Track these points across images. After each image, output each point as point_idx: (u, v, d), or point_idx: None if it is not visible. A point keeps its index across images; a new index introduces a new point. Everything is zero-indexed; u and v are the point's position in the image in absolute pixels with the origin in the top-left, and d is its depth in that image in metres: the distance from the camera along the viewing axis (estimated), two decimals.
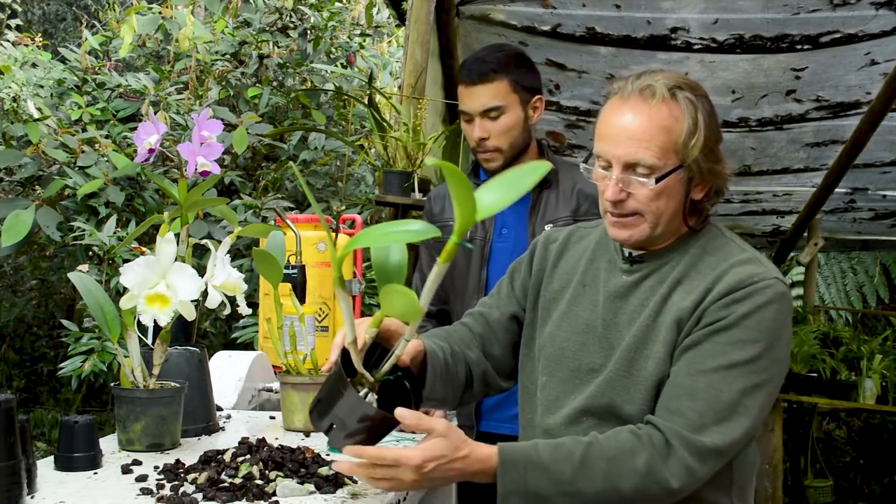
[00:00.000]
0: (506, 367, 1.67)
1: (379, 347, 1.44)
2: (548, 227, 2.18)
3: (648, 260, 1.51)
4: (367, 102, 3.42)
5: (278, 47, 4.52)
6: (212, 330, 4.51)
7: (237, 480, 1.40)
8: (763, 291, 1.40)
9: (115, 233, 3.03)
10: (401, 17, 4.12)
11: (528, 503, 1.33)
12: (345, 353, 1.37)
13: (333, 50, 4.71)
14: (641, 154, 1.40)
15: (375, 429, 1.35)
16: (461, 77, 2.24)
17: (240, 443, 1.58)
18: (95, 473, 1.50)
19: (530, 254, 1.69)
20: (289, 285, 1.89)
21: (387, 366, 1.38)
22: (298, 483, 1.41)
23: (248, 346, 2.96)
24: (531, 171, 1.23)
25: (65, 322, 2.99)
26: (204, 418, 1.84)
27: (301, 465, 1.47)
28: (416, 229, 1.26)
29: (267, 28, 4.46)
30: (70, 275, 1.70)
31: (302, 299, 1.98)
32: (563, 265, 1.62)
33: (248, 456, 1.50)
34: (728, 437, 1.36)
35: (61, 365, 2.89)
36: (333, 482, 1.43)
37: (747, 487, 1.51)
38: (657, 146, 1.40)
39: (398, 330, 1.44)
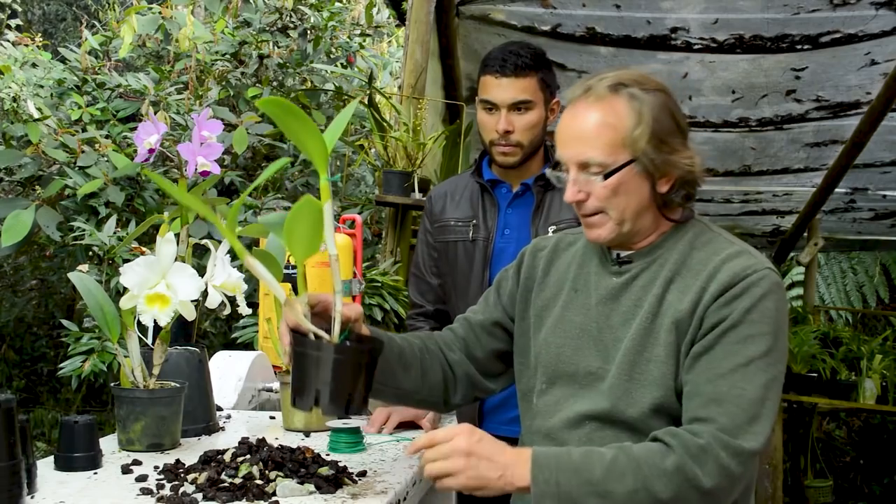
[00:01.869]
0: (489, 370, 1.68)
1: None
2: (551, 230, 2.18)
3: (636, 259, 1.52)
4: (367, 102, 3.42)
5: (278, 47, 4.52)
6: (212, 330, 4.51)
7: (237, 480, 1.40)
8: (759, 283, 1.41)
9: (115, 233, 3.02)
10: (401, 17, 4.12)
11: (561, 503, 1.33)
12: (297, 334, 1.38)
13: (333, 50, 4.71)
14: (590, 152, 1.44)
15: (355, 367, 1.35)
16: (491, 68, 2.22)
17: (240, 443, 1.58)
18: (95, 473, 1.50)
19: (517, 264, 1.70)
20: (289, 285, 1.89)
21: (336, 326, 1.38)
22: (298, 483, 1.41)
23: (248, 346, 2.95)
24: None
25: (65, 322, 2.99)
26: (204, 418, 1.84)
27: (301, 465, 1.47)
28: None
29: (267, 28, 4.46)
30: (70, 275, 1.70)
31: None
32: (554, 273, 1.63)
33: (248, 456, 1.50)
34: (762, 436, 1.36)
35: (61, 365, 2.88)
36: (333, 482, 1.43)
37: (751, 486, 1.51)
38: (603, 143, 1.44)
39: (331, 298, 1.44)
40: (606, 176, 1.43)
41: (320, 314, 1.44)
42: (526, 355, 1.62)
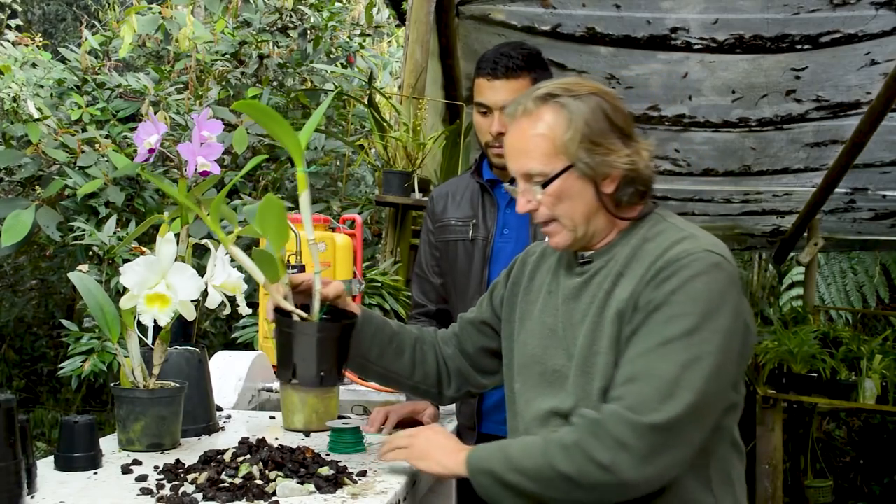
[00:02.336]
0: (480, 366, 1.77)
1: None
2: None
3: (596, 258, 1.54)
4: (367, 102, 3.42)
5: (278, 47, 4.53)
6: (212, 330, 4.51)
7: (237, 480, 1.40)
8: (690, 265, 1.41)
9: (115, 233, 3.02)
10: (401, 17, 4.12)
11: (491, 481, 1.43)
12: (279, 312, 1.54)
13: (333, 50, 4.71)
14: (529, 164, 1.50)
15: (326, 342, 1.51)
16: (483, 70, 2.23)
17: (240, 443, 1.58)
18: (95, 473, 1.50)
19: (509, 269, 1.76)
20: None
21: (315, 304, 1.54)
22: (298, 483, 1.41)
23: (248, 346, 2.95)
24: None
25: (65, 322, 2.99)
26: (204, 418, 1.84)
27: (301, 465, 1.47)
28: None
29: (267, 28, 4.46)
30: (70, 275, 1.70)
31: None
32: (538, 277, 1.67)
33: (248, 456, 1.50)
34: (671, 413, 1.34)
35: (61, 365, 2.88)
36: (333, 482, 1.43)
37: (731, 482, 1.50)
38: (539, 153, 1.49)
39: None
40: (545, 185, 1.48)
41: (305, 292, 1.58)
42: (510, 357, 1.66)
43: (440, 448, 1.52)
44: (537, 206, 1.51)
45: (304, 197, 1.50)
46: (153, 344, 1.70)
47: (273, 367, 2.25)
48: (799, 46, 3.76)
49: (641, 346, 1.40)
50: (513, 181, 1.57)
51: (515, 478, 1.40)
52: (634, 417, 1.34)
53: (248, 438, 1.62)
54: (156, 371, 1.67)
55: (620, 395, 1.38)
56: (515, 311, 1.67)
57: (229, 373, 2.15)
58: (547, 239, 1.58)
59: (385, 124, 3.27)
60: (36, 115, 3.46)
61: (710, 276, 1.40)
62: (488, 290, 1.79)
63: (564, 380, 1.50)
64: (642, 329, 1.41)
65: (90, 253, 3.11)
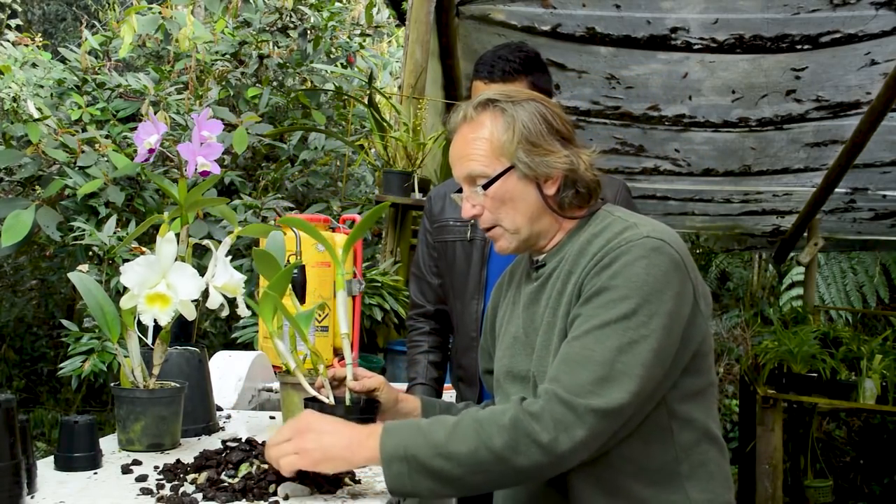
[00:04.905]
0: None
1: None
2: None
3: (548, 261, 1.56)
4: (367, 102, 3.42)
5: (278, 47, 4.52)
6: (212, 330, 4.51)
7: (237, 480, 1.40)
8: (630, 250, 1.41)
9: (115, 233, 3.02)
10: (401, 17, 4.12)
11: (410, 468, 1.33)
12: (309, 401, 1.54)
13: (333, 50, 4.71)
14: (471, 166, 1.52)
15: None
16: (480, 73, 2.23)
17: (240, 443, 1.58)
18: (95, 473, 1.50)
19: (495, 289, 1.77)
20: (288, 285, 1.89)
21: (346, 395, 1.56)
22: (298, 483, 1.41)
23: (248, 346, 2.95)
24: None
25: (65, 322, 2.99)
26: (204, 418, 1.84)
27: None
28: None
29: (267, 28, 4.46)
30: (70, 275, 1.70)
31: (302, 299, 1.97)
32: (508, 295, 1.70)
33: (247, 456, 1.50)
34: (609, 399, 1.33)
35: (61, 365, 2.88)
36: (333, 482, 1.43)
37: (710, 477, 1.48)
38: (481, 155, 1.51)
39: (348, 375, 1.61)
40: (486, 186, 1.50)
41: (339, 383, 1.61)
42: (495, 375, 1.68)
43: (339, 442, 1.36)
44: (482, 211, 1.54)
45: (341, 296, 1.58)
46: (153, 344, 1.70)
47: (273, 367, 2.25)
48: (799, 46, 3.76)
49: (579, 329, 1.40)
50: (460, 190, 1.59)
51: (441, 463, 1.32)
52: (571, 398, 1.33)
53: (248, 438, 1.62)
54: (156, 371, 1.67)
55: (556, 375, 1.37)
56: (496, 328, 1.70)
57: (229, 373, 2.15)
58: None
59: (385, 124, 3.27)
60: (36, 115, 3.46)
61: (649, 259, 1.40)
62: (488, 316, 1.78)
63: (531, 384, 1.51)
64: (581, 315, 1.41)
65: (90, 253, 3.11)
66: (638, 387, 1.34)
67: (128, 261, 1.69)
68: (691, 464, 1.46)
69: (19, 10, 7.46)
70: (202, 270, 1.65)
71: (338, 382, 1.58)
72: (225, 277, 1.65)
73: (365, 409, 1.55)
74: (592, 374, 1.34)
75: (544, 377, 1.44)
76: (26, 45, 4.55)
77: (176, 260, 1.59)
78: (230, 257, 1.70)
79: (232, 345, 3.24)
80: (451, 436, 1.34)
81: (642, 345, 1.36)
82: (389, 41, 5.51)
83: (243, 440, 1.60)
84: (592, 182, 1.54)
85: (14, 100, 4.11)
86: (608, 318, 1.37)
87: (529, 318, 1.56)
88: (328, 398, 1.52)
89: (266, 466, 1.44)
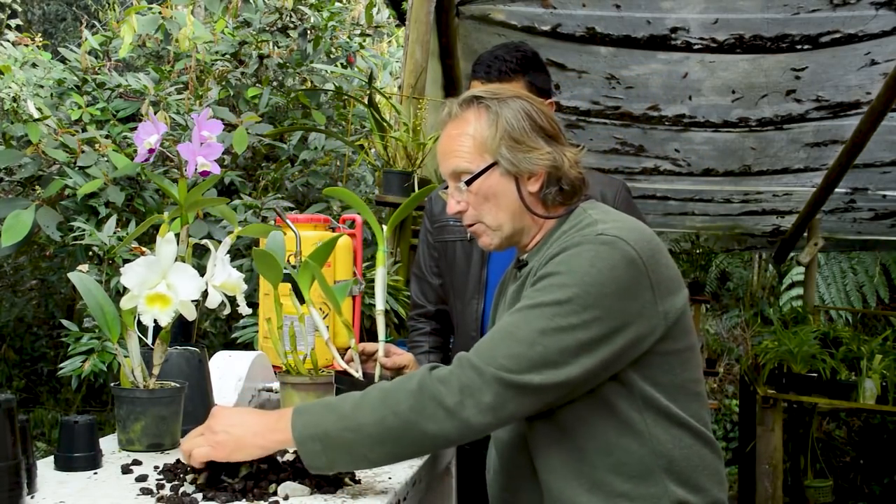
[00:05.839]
0: None
1: None
2: None
3: (531, 259, 1.57)
4: (367, 102, 3.42)
5: (278, 47, 4.52)
6: (212, 330, 4.51)
7: (237, 480, 1.40)
8: (581, 243, 1.43)
9: (115, 233, 3.02)
10: (401, 17, 4.12)
11: (323, 446, 1.34)
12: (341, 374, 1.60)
13: (333, 50, 4.71)
14: (455, 162, 1.55)
15: None
16: (478, 73, 2.24)
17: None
18: (95, 473, 1.50)
19: (499, 287, 1.79)
20: (289, 285, 1.89)
21: (376, 372, 1.62)
22: (298, 483, 1.41)
23: (248, 346, 2.95)
24: None
25: (65, 322, 2.98)
26: (204, 418, 1.82)
27: (301, 465, 1.47)
28: None
29: (267, 28, 4.46)
30: (70, 275, 1.69)
31: (302, 299, 1.98)
32: (501, 299, 1.73)
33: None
34: (519, 374, 1.33)
35: (61, 365, 2.88)
36: (334, 482, 1.43)
37: (691, 472, 1.48)
38: (465, 151, 1.54)
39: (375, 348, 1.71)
40: (469, 182, 1.52)
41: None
42: None
43: (250, 430, 1.37)
44: (466, 207, 1.56)
45: (381, 272, 1.63)
46: (153, 344, 1.70)
47: (273, 367, 2.25)
48: (799, 46, 3.76)
49: (512, 308, 1.42)
50: (447, 187, 1.61)
51: (351, 436, 1.33)
52: (481, 365, 1.33)
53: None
54: (156, 371, 1.67)
55: (476, 346, 1.38)
56: None
57: (229, 373, 2.15)
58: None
59: (385, 124, 3.27)
60: (36, 115, 3.46)
61: (596, 253, 1.41)
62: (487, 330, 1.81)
63: None
64: (521, 298, 1.44)
65: (90, 253, 3.11)
66: (555, 373, 1.34)
67: (128, 261, 1.69)
68: (670, 458, 1.46)
69: (19, 10, 7.46)
70: (202, 270, 1.65)
71: (366, 357, 1.59)
72: (224, 276, 1.65)
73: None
74: (507, 349, 1.35)
75: None
76: (26, 45, 4.55)
77: (176, 260, 1.59)
78: (230, 257, 1.70)
79: (232, 345, 3.23)
80: (358, 407, 1.34)
81: (569, 333, 1.36)
82: (389, 41, 5.51)
83: None
84: (577, 179, 1.55)
85: (14, 100, 4.11)
86: (540, 300, 1.39)
87: None
88: (357, 372, 1.53)
89: (265, 466, 1.44)
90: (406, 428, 1.33)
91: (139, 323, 1.61)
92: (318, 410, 1.37)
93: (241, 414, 1.41)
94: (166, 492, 1.38)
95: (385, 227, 1.66)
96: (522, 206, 1.54)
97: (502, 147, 1.51)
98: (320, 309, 1.72)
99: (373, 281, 2.89)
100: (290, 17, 4.42)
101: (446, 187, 1.61)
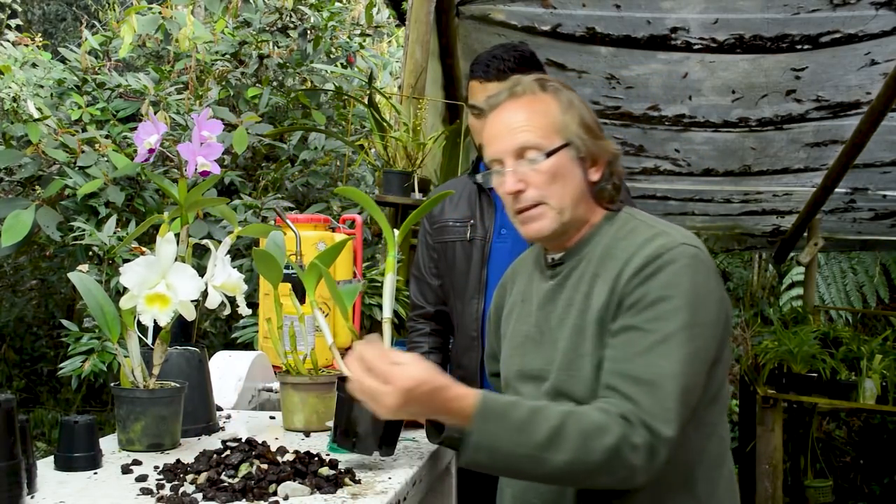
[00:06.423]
0: None
1: None
2: None
3: (567, 259, 1.55)
4: (367, 102, 3.42)
5: (278, 47, 4.52)
6: (212, 330, 4.51)
7: (237, 480, 1.40)
8: (673, 261, 1.41)
9: (115, 233, 3.02)
10: (401, 17, 4.12)
11: (493, 460, 1.32)
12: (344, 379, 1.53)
13: (333, 50, 4.71)
14: (526, 136, 1.49)
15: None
16: (476, 73, 2.24)
17: (240, 443, 1.58)
18: (95, 473, 1.50)
19: (498, 288, 1.77)
20: (289, 285, 1.89)
21: None
22: (298, 483, 1.41)
23: (248, 346, 2.95)
24: None
25: (65, 322, 2.99)
26: (204, 418, 1.83)
27: (301, 465, 1.47)
28: None
29: (267, 28, 4.45)
30: (70, 275, 1.70)
31: (302, 299, 1.98)
32: (515, 292, 1.69)
33: (246, 456, 1.50)
34: (679, 422, 1.34)
35: (61, 365, 2.88)
36: (333, 482, 1.43)
37: (719, 480, 1.50)
38: (537, 126, 1.50)
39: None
40: (548, 155, 1.48)
41: None
42: (502, 375, 1.68)
43: (428, 408, 1.33)
44: (525, 187, 1.50)
45: (390, 279, 1.59)
46: (153, 344, 1.70)
47: (273, 367, 2.25)
48: (799, 46, 3.76)
49: (640, 343, 1.38)
50: (475, 170, 1.59)
51: (529, 466, 1.31)
52: (656, 426, 1.32)
53: (248, 438, 1.62)
54: (156, 371, 1.67)
55: (630, 394, 1.35)
56: (500, 327, 1.70)
57: (229, 373, 2.15)
58: (521, 231, 1.55)
59: (385, 124, 3.27)
60: (36, 115, 3.45)
61: (692, 269, 1.41)
62: (492, 316, 1.78)
63: (543, 382, 1.50)
64: (635, 326, 1.40)
65: (90, 253, 3.11)
66: (692, 398, 1.38)
67: (128, 261, 1.69)
68: (706, 468, 1.47)
69: (19, 10, 7.46)
70: (202, 270, 1.65)
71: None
72: (224, 277, 1.65)
73: None
74: (669, 394, 1.34)
75: (571, 380, 1.44)
76: (26, 45, 4.55)
77: (176, 260, 1.59)
78: (230, 257, 1.70)
79: (232, 345, 3.23)
80: (553, 444, 1.30)
81: (700, 355, 1.39)
82: (389, 41, 5.51)
83: (243, 440, 1.59)
84: (621, 176, 1.56)
85: (14, 100, 4.11)
86: (668, 331, 1.37)
87: (544, 317, 1.54)
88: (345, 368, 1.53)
89: (266, 466, 1.44)
90: (586, 478, 1.34)
91: (139, 323, 1.61)
92: (504, 429, 1.31)
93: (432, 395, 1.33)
94: (166, 492, 1.38)
95: (397, 233, 1.64)
96: (586, 193, 1.52)
97: (579, 130, 1.50)
98: (320, 309, 1.71)
99: (373, 281, 2.89)
100: (290, 17, 4.42)
101: (486, 169, 1.57)
